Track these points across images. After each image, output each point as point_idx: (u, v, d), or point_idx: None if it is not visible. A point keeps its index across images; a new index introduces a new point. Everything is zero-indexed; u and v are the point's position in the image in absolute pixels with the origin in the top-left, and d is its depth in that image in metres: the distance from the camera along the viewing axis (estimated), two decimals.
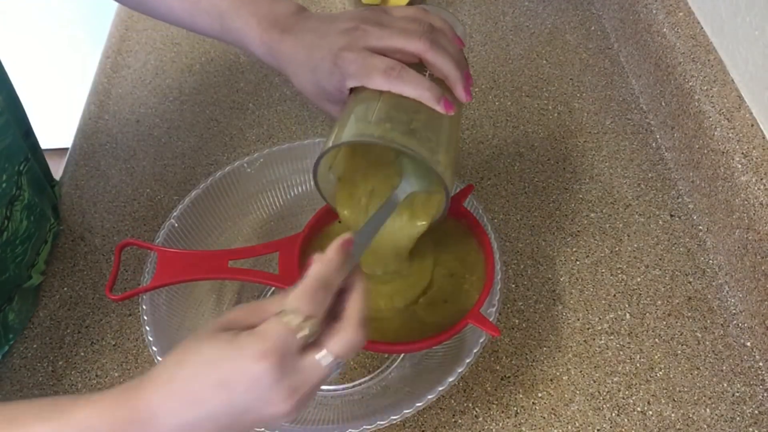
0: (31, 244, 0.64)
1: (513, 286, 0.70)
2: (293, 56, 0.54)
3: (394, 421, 0.50)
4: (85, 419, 0.38)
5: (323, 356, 0.39)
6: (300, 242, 0.58)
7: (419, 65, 0.51)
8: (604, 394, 0.62)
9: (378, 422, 0.49)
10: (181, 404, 0.38)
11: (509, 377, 0.63)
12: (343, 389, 0.61)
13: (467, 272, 0.59)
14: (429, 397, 0.51)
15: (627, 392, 0.62)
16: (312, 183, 0.53)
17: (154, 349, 0.53)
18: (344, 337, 0.39)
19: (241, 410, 0.38)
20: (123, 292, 0.57)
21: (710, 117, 0.71)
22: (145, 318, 0.55)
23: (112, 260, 0.71)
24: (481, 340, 0.53)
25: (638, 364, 0.64)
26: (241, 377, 0.37)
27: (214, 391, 0.37)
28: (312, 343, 0.39)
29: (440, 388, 0.51)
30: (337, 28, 0.52)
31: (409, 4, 0.99)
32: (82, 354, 0.65)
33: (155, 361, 0.54)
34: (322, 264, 0.40)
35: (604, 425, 0.60)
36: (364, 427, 0.49)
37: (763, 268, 0.63)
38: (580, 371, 0.64)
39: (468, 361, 0.52)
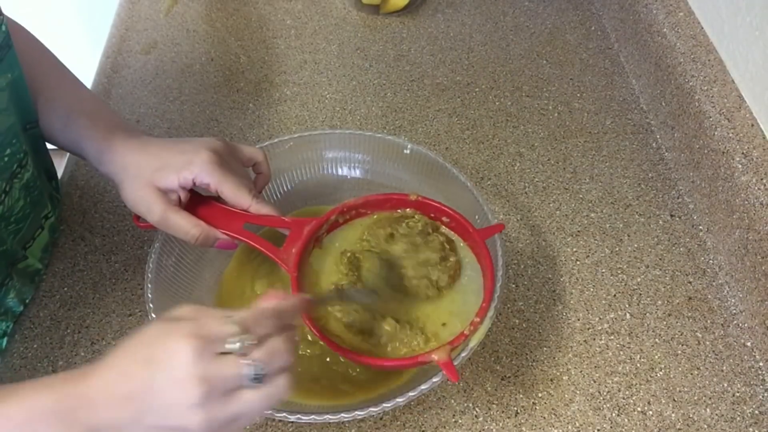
0: (27, 224, 0.65)
1: (513, 286, 0.70)
2: (140, 149, 0.58)
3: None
4: (34, 395, 0.40)
5: (242, 359, 0.40)
6: (312, 229, 0.59)
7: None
8: (605, 394, 0.62)
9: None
10: (113, 377, 0.40)
11: (509, 377, 0.63)
12: None
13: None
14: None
15: (627, 392, 0.62)
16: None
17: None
18: (269, 346, 0.41)
19: (156, 389, 0.39)
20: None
21: (710, 117, 0.71)
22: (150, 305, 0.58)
23: (113, 259, 0.71)
24: (435, 380, 0.53)
25: (638, 364, 0.64)
26: (163, 353, 0.39)
27: (139, 366, 0.40)
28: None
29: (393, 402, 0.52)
30: (200, 139, 0.58)
31: (409, 4, 0.99)
32: (82, 354, 0.65)
33: None
34: (282, 302, 0.44)
35: (605, 425, 0.60)
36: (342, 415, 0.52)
37: (763, 268, 0.63)
38: (581, 371, 0.64)
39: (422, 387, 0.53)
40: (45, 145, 0.70)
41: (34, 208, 0.66)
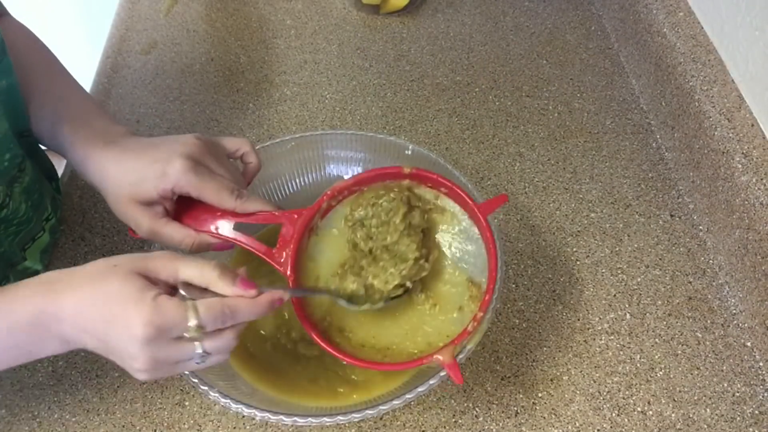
0: (28, 229, 0.65)
1: (513, 286, 0.70)
2: (115, 162, 0.56)
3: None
4: (13, 309, 0.46)
5: (194, 348, 0.46)
6: (305, 221, 0.57)
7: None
8: (605, 394, 0.62)
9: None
10: (79, 312, 0.46)
11: (509, 377, 0.63)
12: None
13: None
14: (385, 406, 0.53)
15: (627, 392, 0.62)
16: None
17: None
18: (217, 340, 0.47)
19: (110, 348, 0.46)
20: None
21: (710, 117, 0.71)
22: None
23: None
24: (432, 382, 0.53)
25: (638, 364, 0.64)
26: (123, 328, 0.44)
27: (101, 324, 0.45)
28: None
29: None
30: (175, 140, 0.57)
31: (409, 4, 0.99)
32: (83, 354, 0.65)
33: None
34: (248, 303, 0.48)
35: (605, 425, 0.60)
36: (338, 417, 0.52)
37: (763, 268, 0.63)
38: (581, 371, 0.64)
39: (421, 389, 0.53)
40: (41, 148, 0.70)
41: (35, 211, 0.66)
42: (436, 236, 0.60)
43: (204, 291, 0.48)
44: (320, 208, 0.59)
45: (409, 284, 0.57)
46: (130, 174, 0.55)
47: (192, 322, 0.45)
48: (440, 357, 0.50)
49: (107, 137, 0.58)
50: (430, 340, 0.56)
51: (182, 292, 0.47)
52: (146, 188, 0.54)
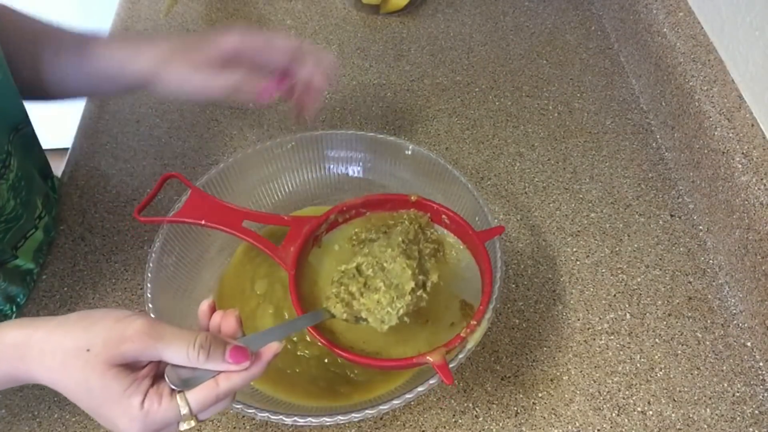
0: (18, 225, 0.65)
1: (513, 286, 0.70)
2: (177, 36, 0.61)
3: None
4: None
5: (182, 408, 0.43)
6: (311, 228, 0.59)
7: None
8: (605, 394, 0.62)
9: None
10: (59, 390, 0.43)
11: (509, 377, 0.63)
12: None
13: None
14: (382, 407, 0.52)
15: (627, 392, 0.62)
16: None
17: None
18: (214, 408, 0.44)
19: (92, 412, 0.43)
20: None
21: (710, 117, 0.71)
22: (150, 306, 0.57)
23: (113, 259, 0.71)
24: (432, 381, 0.53)
25: (638, 364, 0.64)
26: (105, 416, 0.42)
27: (86, 409, 0.43)
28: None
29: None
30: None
31: (409, 4, 0.99)
32: None
33: None
34: (242, 376, 0.44)
35: (605, 425, 0.60)
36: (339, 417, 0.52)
37: (763, 268, 0.63)
38: (581, 371, 0.64)
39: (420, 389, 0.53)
40: (39, 143, 0.70)
41: (25, 208, 0.66)
42: (432, 261, 0.60)
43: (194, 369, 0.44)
44: (328, 219, 0.61)
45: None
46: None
47: (184, 412, 0.42)
48: (430, 358, 0.51)
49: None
50: (420, 348, 0.57)
51: (168, 375, 0.42)
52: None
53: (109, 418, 0.42)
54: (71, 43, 0.65)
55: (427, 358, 0.51)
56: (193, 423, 0.43)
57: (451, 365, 0.51)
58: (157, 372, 0.43)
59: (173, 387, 0.42)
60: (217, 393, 0.43)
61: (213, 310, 0.46)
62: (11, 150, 0.62)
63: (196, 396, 0.42)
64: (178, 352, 0.42)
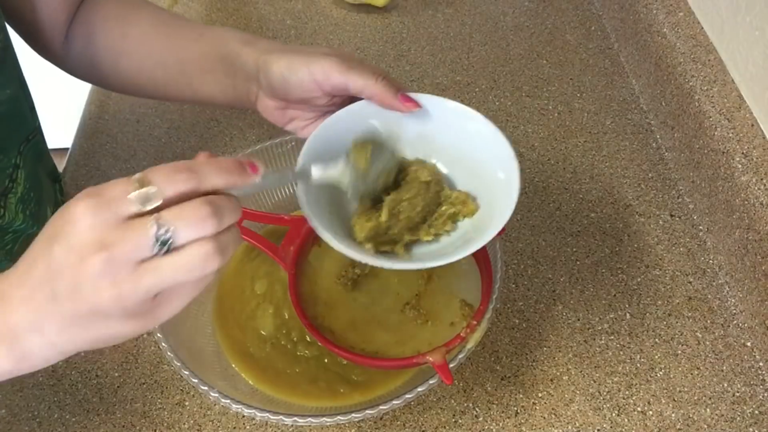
0: (25, 235, 0.64)
1: (513, 286, 0.70)
2: (287, 49, 0.54)
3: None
4: None
5: (149, 219, 0.34)
6: (311, 227, 0.58)
7: None
8: (605, 394, 0.62)
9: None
10: (23, 267, 0.36)
11: (509, 377, 0.63)
12: None
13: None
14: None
15: (627, 392, 0.62)
16: None
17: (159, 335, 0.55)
18: (181, 207, 0.35)
19: (57, 266, 0.35)
20: None
21: (710, 117, 0.71)
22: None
23: None
24: (432, 381, 0.52)
25: (638, 364, 0.64)
26: (61, 223, 0.35)
27: (42, 246, 0.35)
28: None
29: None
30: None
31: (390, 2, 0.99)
32: (82, 354, 0.65)
33: (160, 347, 0.55)
34: (208, 160, 0.37)
35: (605, 425, 0.60)
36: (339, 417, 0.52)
37: (763, 268, 0.63)
38: (580, 371, 0.64)
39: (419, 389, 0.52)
40: (47, 149, 0.70)
41: (35, 220, 0.65)
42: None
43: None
44: None
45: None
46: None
47: (135, 184, 0.34)
48: (430, 358, 0.51)
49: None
50: (419, 348, 0.56)
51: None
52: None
53: (62, 220, 0.35)
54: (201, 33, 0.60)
55: (427, 357, 0.51)
56: (147, 196, 0.34)
57: (451, 365, 0.51)
58: None
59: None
60: (176, 164, 0.35)
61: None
62: (19, 162, 0.62)
63: (152, 168, 0.35)
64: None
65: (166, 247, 0.34)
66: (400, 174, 0.53)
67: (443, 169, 0.55)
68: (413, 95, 0.51)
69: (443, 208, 0.53)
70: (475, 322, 0.53)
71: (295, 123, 0.57)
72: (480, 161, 0.53)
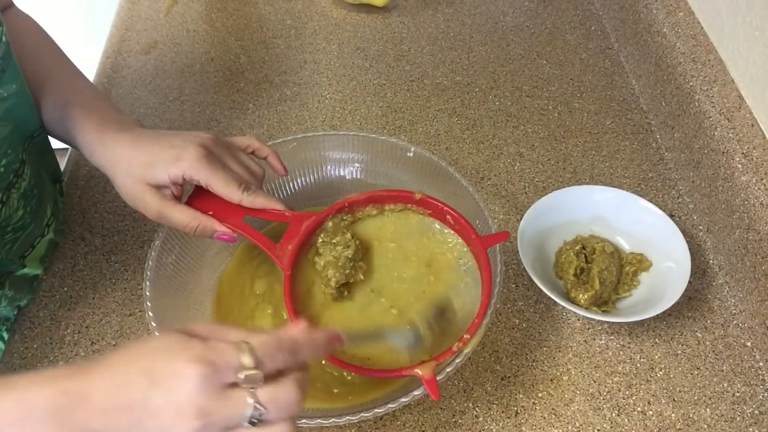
0: (25, 233, 0.64)
1: (513, 286, 0.70)
2: (130, 144, 0.57)
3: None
4: (32, 391, 0.38)
5: (248, 397, 0.38)
6: (312, 225, 0.59)
7: None
8: (605, 394, 0.62)
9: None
10: (113, 383, 0.38)
11: (509, 377, 0.63)
12: None
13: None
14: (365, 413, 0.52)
15: (627, 392, 0.62)
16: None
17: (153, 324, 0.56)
18: (276, 390, 0.38)
19: (153, 408, 0.37)
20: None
21: (710, 117, 0.71)
22: (148, 304, 0.58)
23: (113, 259, 0.71)
24: (439, 377, 0.52)
25: (638, 364, 0.64)
26: (167, 372, 0.37)
27: (141, 379, 0.37)
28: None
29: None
30: (190, 133, 0.59)
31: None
32: (82, 354, 0.65)
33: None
34: (304, 335, 0.41)
35: (605, 425, 0.60)
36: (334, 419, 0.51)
37: (763, 268, 0.63)
38: (580, 371, 0.64)
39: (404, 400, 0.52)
40: (51, 148, 0.70)
41: (34, 217, 0.65)
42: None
43: None
44: (330, 216, 0.60)
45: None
46: (144, 156, 0.57)
47: (246, 360, 0.38)
48: (419, 371, 0.50)
49: (122, 124, 0.60)
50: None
51: None
52: (158, 171, 0.56)
53: (166, 370, 0.37)
54: (64, 93, 0.63)
55: (416, 371, 0.51)
56: (252, 377, 0.38)
57: (439, 377, 0.51)
58: None
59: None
60: (279, 340, 0.40)
61: None
62: (25, 158, 0.62)
63: (258, 337, 0.39)
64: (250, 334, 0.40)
65: (255, 421, 0.38)
66: (586, 249, 0.68)
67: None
68: None
69: (626, 268, 0.68)
70: (468, 336, 0.53)
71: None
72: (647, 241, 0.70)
